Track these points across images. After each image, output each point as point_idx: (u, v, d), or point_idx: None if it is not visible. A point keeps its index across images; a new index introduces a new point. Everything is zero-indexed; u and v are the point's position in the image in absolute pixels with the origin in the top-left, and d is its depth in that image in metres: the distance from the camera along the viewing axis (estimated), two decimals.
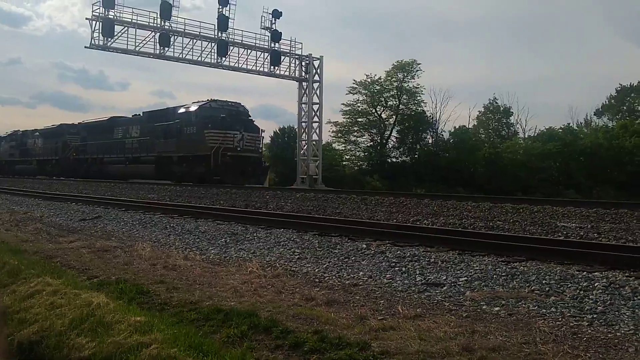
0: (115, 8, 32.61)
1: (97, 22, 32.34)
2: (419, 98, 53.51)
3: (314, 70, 39.99)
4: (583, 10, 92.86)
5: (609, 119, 55.38)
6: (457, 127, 53.81)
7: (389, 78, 53.20)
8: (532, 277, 6.09)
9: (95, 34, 32.36)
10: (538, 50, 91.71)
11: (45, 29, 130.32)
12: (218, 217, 12.33)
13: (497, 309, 5.16)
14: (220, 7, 35.92)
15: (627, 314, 4.85)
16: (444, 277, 6.41)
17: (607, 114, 56.33)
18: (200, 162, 28.59)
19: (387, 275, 6.67)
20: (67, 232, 11.36)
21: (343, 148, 56.06)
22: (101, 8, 32.30)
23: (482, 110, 56.03)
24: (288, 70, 39.57)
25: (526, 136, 53.50)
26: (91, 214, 14.27)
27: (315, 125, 40.34)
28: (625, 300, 5.19)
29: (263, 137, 33.03)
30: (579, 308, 5.07)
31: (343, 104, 54.90)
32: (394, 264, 7.15)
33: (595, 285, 5.64)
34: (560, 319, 4.78)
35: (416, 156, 52.34)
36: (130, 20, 33.20)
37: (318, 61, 40.15)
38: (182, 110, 31.11)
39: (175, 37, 34.62)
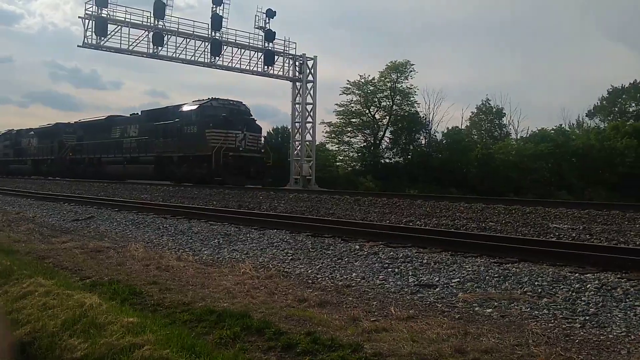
0: (109, 7, 32.50)
1: (90, 21, 32.20)
2: (412, 99, 53.69)
3: (308, 70, 39.98)
4: (575, 12, 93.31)
5: (600, 120, 55.71)
6: (450, 128, 54.01)
7: (383, 79, 53.31)
8: (524, 279, 6.11)
9: (88, 33, 32.22)
10: (530, 52, 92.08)
11: (37, 27, 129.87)
12: (211, 217, 12.32)
13: (489, 310, 5.18)
14: (214, 6, 35.84)
15: (619, 315, 4.87)
16: (437, 279, 6.43)
17: (599, 116, 56.63)
18: (201, 162, 28.08)
19: (380, 277, 6.68)
20: (60, 233, 11.32)
21: (336, 148, 56.16)
22: (94, 7, 32.16)
23: (475, 111, 56.32)
24: (282, 70, 39.55)
25: (518, 137, 53.76)
26: (84, 214, 14.22)
27: (308, 125, 40.33)
28: (617, 301, 5.21)
29: (265, 137, 32.66)
30: (571, 310, 5.09)
31: (337, 104, 55.00)
32: (386, 265, 7.17)
33: (588, 286, 5.66)
34: (552, 321, 4.81)
35: (409, 157, 52.46)
36: (123, 19, 33.08)
37: (312, 61, 40.15)
38: (182, 109, 30.45)
39: (169, 36, 34.52)
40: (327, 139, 55.57)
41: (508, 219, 11.96)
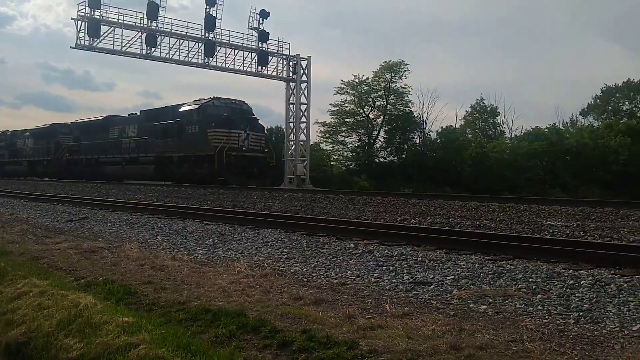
0: (102, 8, 32.38)
1: (83, 22, 32.07)
2: (406, 98, 53.74)
3: (302, 71, 39.96)
4: (568, 12, 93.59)
5: (594, 119, 55.93)
6: (444, 127, 54.11)
7: (377, 78, 53.35)
8: (518, 276, 6.14)
9: (81, 34, 32.08)
10: (524, 52, 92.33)
11: (30, 28, 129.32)
12: (206, 217, 12.31)
13: (484, 307, 5.20)
14: (208, 7, 35.77)
15: (613, 311, 4.90)
16: (432, 276, 6.44)
17: (593, 114, 56.84)
18: (203, 162, 27.60)
19: (375, 274, 6.69)
20: (54, 233, 11.29)
21: (331, 148, 56.17)
22: (87, 8, 32.02)
23: (469, 110, 56.43)
24: (275, 70, 39.51)
25: (512, 136, 53.94)
26: (78, 215, 14.18)
27: (303, 125, 40.30)
28: (610, 297, 5.24)
29: (266, 136, 32.00)
30: (565, 306, 5.11)
31: (331, 104, 54.99)
32: (381, 263, 7.18)
33: (581, 283, 5.69)
34: (546, 317, 4.83)
35: (404, 156, 52.53)
36: (116, 20, 32.96)
37: (306, 61, 40.13)
38: (183, 108, 29.72)
39: (162, 37, 34.43)
40: (322, 138, 55.64)
41: (502, 216, 11.99)
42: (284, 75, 39.88)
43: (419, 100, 63.44)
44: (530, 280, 5.96)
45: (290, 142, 40.35)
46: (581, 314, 4.89)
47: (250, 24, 37.57)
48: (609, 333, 4.38)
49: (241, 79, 38.55)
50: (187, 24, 35.38)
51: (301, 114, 40.07)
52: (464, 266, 6.71)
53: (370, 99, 54.09)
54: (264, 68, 38.49)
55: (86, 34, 32.08)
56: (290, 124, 40.32)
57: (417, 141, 54.48)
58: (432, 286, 6.07)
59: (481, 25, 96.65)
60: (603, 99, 56.47)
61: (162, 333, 4.38)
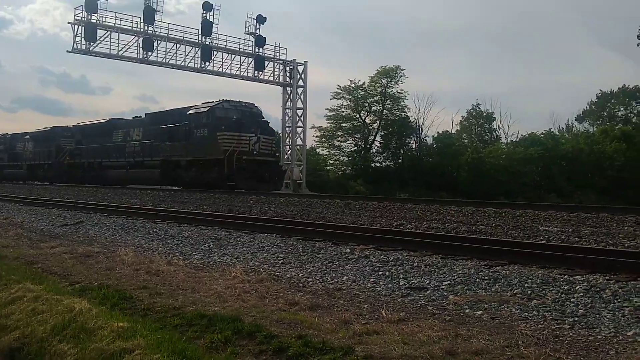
0: (98, 12, 32.45)
1: (80, 27, 32.14)
2: (402, 103, 53.98)
3: (298, 76, 40.05)
4: (564, 19, 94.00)
5: (589, 125, 56.28)
6: (440, 132, 54.31)
7: (373, 83, 53.54)
8: (514, 281, 6.14)
9: (78, 38, 32.17)
10: (519, 58, 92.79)
11: (27, 32, 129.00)
12: (201, 222, 12.27)
13: (479, 312, 5.20)
14: (205, 12, 35.87)
15: (608, 316, 4.90)
16: (427, 281, 6.44)
17: (588, 120, 57.17)
18: (212, 166, 26.79)
19: (371, 280, 6.68)
20: (49, 238, 11.25)
21: (327, 153, 56.32)
22: (84, 12, 32.12)
23: (465, 116, 56.65)
24: (272, 75, 39.61)
25: (508, 141, 54.21)
26: (73, 219, 14.14)
27: (299, 130, 40.39)
28: (605, 303, 5.25)
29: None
30: (560, 311, 5.12)
31: (327, 109, 55.21)
32: (377, 268, 7.17)
33: (577, 288, 5.69)
34: (542, 322, 4.83)
35: (400, 161, 52.65)
36: (113, 24, 33.03)
37: (302, 66, 40.23)
38: (191, 111, 28.64)
39: (159, 41, 34.50)
40: (318, 143, 55.75)
41: (498, 222, 12.00)
42: (280, 80, 39.96)
43: (415, 106, 64.22)
44: (526, 285, 5.96)
45: (287, 147, 40.40)
46: (576, 319, 4.89)
47: (247, 29, 37.71)
48: (604, 338, 4.38)
49: (238, 83, 38.62)
50: (183, 29, 35.55)
51: (297, 118, 40.15)
52: (460, 271, 6.70)
53: (367, 104, 54.24)
54: (260, 73, 38.59)
55: (83, 38, 32.18)
56: (287, 129, 40.39)
57: (413, 146, 54.69)
58: (428, 291, 6.07)
59: (477, 32, 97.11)
60: (598, 105, 56.78)
61: (157, 338, 4.36)
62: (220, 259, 8.44)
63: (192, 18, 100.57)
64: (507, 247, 7.78)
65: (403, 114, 53.97)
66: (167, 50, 34.76)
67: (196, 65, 36.02)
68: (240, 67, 37.55)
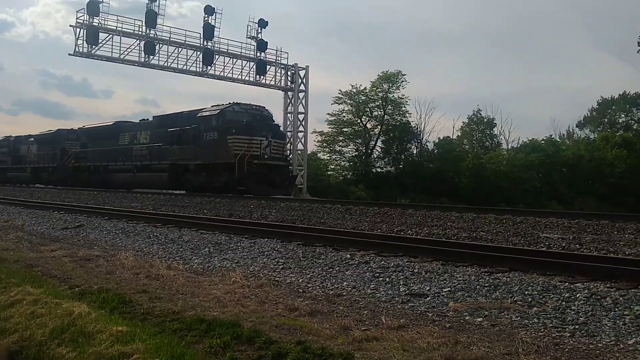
0: (100, 15, 32.51)
1: (82, 30, 32.20)
2: (403, 109, 53.95)
3: (300, 80, 40.10)
4: (565, 24, 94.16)
5: (590, 131, 56.28)
6: (441, 137, 54.31)
7: (374, 88, 53.55)
8: (514, 288, 6.12)
9: (80, 41, 32.23)
10: (520, 64, 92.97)
11: (28, 35, 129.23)
12: (202, 226, 12.27)
13: (480, 319, 5.18)
14: (206, 15, 35.96)
15: (609, 324, 4.89)
16: (428, 288, 6.43)
17: (589, 126, 57.16)
18: (222, 170, 26.19)
19: (371, 286, 6.67)
20: (49, 241, 11.25)
21: (328, 158, 56.26)
22: (85, 15, 32.19)
23: (466, 122, 56.66)
24: (274, 79, 39.64)
25: (509, 147, 54.17)
26: (73, 223, 14.14)
27: (300, 134, 40.41)
28: (606, 311, 5.23)
29: (290, 144, 30.63)
30: (561, 319, 5.10)
31: (328, 113, 55.17)
32: (377, 274, 7.16)
33: (577, 296, 5.68)
34: (542, 330, 4.81)
35: (401, 166, 52.63)
36: (115, 27, 33.10)
37: (304, 71, 40.29)
38: (200, 114, 28.08)
39: (161, 45, 34.56)
40: (319, 148, 55.72)
41: (499, 228, 11.98)
42: (282, 85, 40.02)
43: (416, 111, 64.36)
44: (527, 292, 5.94)
45: (288, 151, 40.40)
46: (577, 327, 4.87)
47: (248, 33, 37.78)
48: (604, 347, 4.37)
49: (239, 87, 38.67)
50: (185, 32, 35.60)
51: (299, 123, 40.20)
52: (460, 278, 6.69)
53: (368, 109, 54.25)
54: (262, 77, 38.64)
55: (85, 41, 32.24)
56: (288, 133, 40.37)
57: (414, 152, 54.69)
58: (428, 298, 6.06)
59: (478, 38, 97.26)
60: (599, 111, 56.79)
61: (156, 343, 4.35)
62: (220, 264, 8.43)
63: (194, 22, 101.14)
64: (507, 254, 7.77)
65: (404, 119, 54.02)
66: (169, 53, 34.84)
67: (198, 69, 36.09)
68: (241, 71, 37.63)
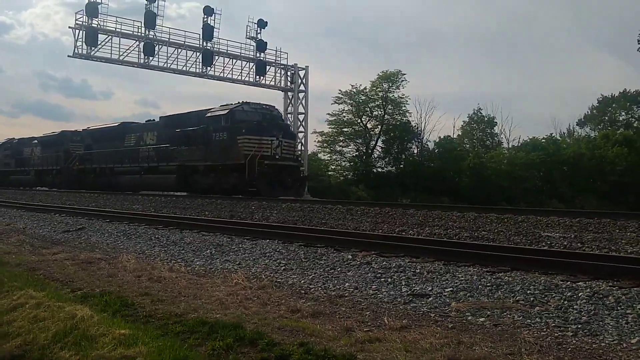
0: (99, 17, 32.57)
1: (81, 31, 32.26)
2: (404, 108, 53.91)
3: (300, 80, 40.15)
4: (564, 23, 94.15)
5: (591, 129, 56.26)
6: (441, 137, 54.27)
7: (374, 88, 53.53)
8: (516, 287, 6.12)
9: (79, 43, 32.30)
10: (521, 63, 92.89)
11: (27, 37, 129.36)
12: (203, 228, 12.26)
13: (482, 319, 5.18)
14: (205, 16, 36.01)
15: (611, 323, 4.89)
16: (430, 288, 6.42)
17: (589, 124, 57.15)
18: (232, 171, 25.56)
19: (373, 287, 6.67)
20: (51, 244, 11.25)
21: (329, 158, 56.23)
22: (85, 17, 32.26)
23: (467, 121, 56.64)
24: (273, 80, 39.69)
25: (510, 146, 54.17)
26: (75, 226, 14.14)
27: (300, 135, 40.39)
28: (609, 310, 5.23)
29: (301, 144, 30.08)
30: (563, 318, 5.10)
31: (328, 113, 55.16)
32: (379, 275, 7.16)
33: (579, 295, 5.68)
34: (545, 329, 4.82)
35: (401, 166, 52.59)
36: (114, 29, 33.18)
37: (303, 71, 40.33)
38: (209, 114, 27.35)
39: (160, 46, 34.61)
40: (319, 148, 55.70)
41: (500, 228, 11.98)
42: (282, 85, 40.05)
43: (416, 110, 64.31)
44: (529, 292, 5.94)
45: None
46: (579, 326, 4.87)
47: (248, 34, 37.84)
48: (607, 346, 4.37)
49: (239, 88, 38.60)
50: (185, 33, 35.66)
51: (299, 123, 40.22)
52: (462, 278, 6.69)
53: (368, 109, 54.23)
54: (262, 77, 38.69)
55: (84, 43, 32.30)
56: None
57: (415, 151, 54.65)
58: (430, 298, 6.06)
59: (478, 36, 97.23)
60: (600, 109, 56.78)
61: (158, 346, 4.35)
62: (222, 266, 8.43)
63: (193, 23, 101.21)
64: (509, 253, 7.77)
65: (404, 118, 53.99)
66: (168, 54, 34.92)
67: (197, 70, 36.15)
68: (241, 72, 37.70)
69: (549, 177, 44.51)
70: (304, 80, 40.18)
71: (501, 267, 7.04)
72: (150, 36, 34.04)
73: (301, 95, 40.23)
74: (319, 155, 55.53)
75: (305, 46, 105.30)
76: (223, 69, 36.95)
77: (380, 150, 54.89)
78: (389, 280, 6.89)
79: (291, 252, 8.95)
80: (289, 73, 39.99)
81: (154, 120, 34.10)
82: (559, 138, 52.83)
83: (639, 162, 41.57)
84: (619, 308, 5.24)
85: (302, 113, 40.20)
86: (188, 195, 27.30)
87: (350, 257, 8.26)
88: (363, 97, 53.75)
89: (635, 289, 5.72)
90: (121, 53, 33.52)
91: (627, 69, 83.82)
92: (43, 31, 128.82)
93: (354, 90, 53.68)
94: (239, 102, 26.87)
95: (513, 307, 5.46)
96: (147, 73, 43.09)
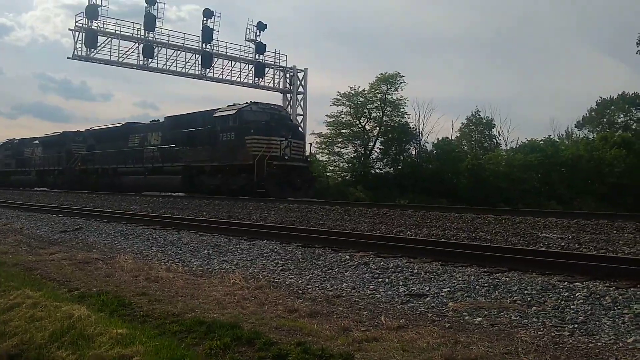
0: (99, 19, 32.61)
1: (80, 33, 32.31)
2: (402, 110, 53.81)
3: (298, 82, 40.20)
4: (563, 26, 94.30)
5: (589, 131, 56.30)
6: (440, 138, 54.21)
7: (373, 90, 53.46)
8: (514, 288, 6.13)
9: (78, 45, 32.37)
10: (519, 65, 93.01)
11: (27, 39, 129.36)
12: (201, 228, 12.26)
13: (479, 319, 5.19)
14: (205, 19, 36.06)
15: (608, 323, 4.89)
16: (427, 288, 6.43)
17: (588, 126, 57.21)
18: (240, 172, 25.17)
19: (371, 287, 6.67)
20: (48, 244, 11.24)
21: (327, 159, 56.14)
22: (84, 19, 32.30)
23: (465, 122, 56.65)
24: (272, 82, 39.76)
25: (508, 148, 54.12)
26: (72, 226, 14.13)
27: None
28: (605, 310, 5.24)
29: (311, 145, 29.46)
30: (560, 318, 5.11)
31: (327, 115, 55.07)
32: (377, 275, 7.16)
33: (576, 295, 5.68)
34: (541, 329, 4.82)
35: (400, 167, 52.55)
36: (113, 31, 33.23)
37: (302, 73, 40.38)
38: (216, 114, 26.90)
39: (159, 48, 34.64)
40: (318, 149, 55.62)
41: (498, 228, 11.98)
42: (280, 87, 40.10)
43: (414, 112, 64.20)
44: (526, 292, 5.95)
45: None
46: (576, 326, 4.88)
47: (247, 36, 37.90)
48: (604, 345, 4.37)
49: (238, 90, 38.49)
50: (184, 36, 35.74)
51: (298, 125, 40.18)
52: (460, 278, 6.69)
53: (366, 111, 54.14)
54: (260, 79, 38.75)
55: (83, 45, 32.34)
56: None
57: (413, 152, 54.57)
58: (427, 298, 6.06)
59: (477, 39, 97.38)
60: (598, 111, 56.86)
61: (156, 345, 4.35)
62: (219, 266, 8.43)
63: (193, 25, 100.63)
64: (507, 253, 7.77)
65: (403, 120, 53.95)
66: (168, 57, 34.99)
67: (197, 72, 36.18)
68: (240, 74, 37.76)
69: (547, 178, 44.50)
70: (302, 82, 40.25)
71: (499, 268, 7.05)
72: (149, 38, 34.11)
73: (300, 97, 40.30)
74: (317, 156, 55.44)
75: (304, 48, 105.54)
76: (222, 71, 37.08)
77: (378, 151, 54.84)
78: (387, 280, 6.89)
79: (289, 253, 8.95)
80: (287, 75, 40.04)
81: (158, 120, 33.69)
82: (558, 140, 52.89)
83: (637, 164, 41.62)
84: (615, 308, 5.25)
85: (300, 114, 40.25)
86: (186, 195, 27.24)
87: (347, 257, 8.26)
88: (361, 99, 53.69)
89: (632, 289, 5.73)
90: (121, 55, 33.63)
91: (626, 72, 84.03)
92: (43, 33, 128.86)
93: (353, 92, 53.67)
94: (247, 102, 26.50)
95: (510, 307, 5.47)
96: (147, 75, 43.32)
